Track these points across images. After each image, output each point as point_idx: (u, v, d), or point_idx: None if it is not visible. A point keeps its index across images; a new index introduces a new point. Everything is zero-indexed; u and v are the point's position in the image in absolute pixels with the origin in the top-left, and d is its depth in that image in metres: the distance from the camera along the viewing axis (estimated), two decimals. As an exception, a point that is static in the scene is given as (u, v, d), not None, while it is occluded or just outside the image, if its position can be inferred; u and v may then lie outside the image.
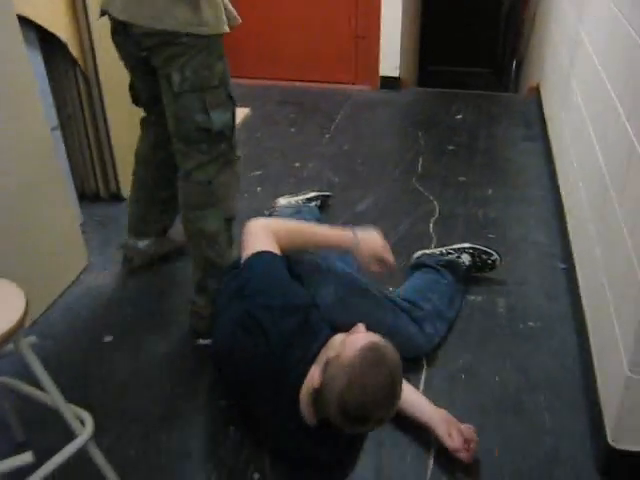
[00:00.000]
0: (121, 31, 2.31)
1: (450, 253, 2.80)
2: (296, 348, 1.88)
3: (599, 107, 2.57)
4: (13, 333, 1.55)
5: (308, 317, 1.96)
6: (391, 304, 2.35)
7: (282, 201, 3.31)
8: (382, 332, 1.79)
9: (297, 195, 3.35)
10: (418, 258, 2.84)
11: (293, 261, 2.18)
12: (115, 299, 2.77)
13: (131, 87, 2.65)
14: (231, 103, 2.32)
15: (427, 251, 2.87)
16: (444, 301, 2.54)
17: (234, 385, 2.06)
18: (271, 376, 1.86)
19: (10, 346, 1.66)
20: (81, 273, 2.92)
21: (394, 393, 1.69)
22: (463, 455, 1.98)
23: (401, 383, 1.73)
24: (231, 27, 2.27)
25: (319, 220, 3.01)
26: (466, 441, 1.99)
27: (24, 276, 1.76)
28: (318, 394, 1.73)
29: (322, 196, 3.38)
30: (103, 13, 2.36)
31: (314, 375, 1.74)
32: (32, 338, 1.80)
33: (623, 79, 2.23)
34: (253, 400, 1.96)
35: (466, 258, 2.79)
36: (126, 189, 3.45)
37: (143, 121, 2.78)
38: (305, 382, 1.82)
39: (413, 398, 2.11)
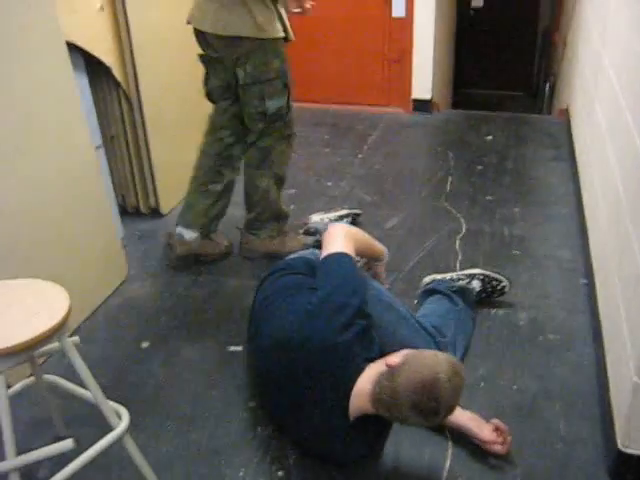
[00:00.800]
0: (200, 38, 2.93)
1: (461, 279, 2.87)
2: (359, 347, 2.00)
3: (618, 131, 2.67)
4: (58, 329, 1.69)
5: (369, 325, 2.09)
6: (422, 329, 2.43)
7: (315, 217, 3.45)
8: None
9: (329, 212, 3.49)
10: (428, 284, 2.90)
11: None
12: (152, 309, 2.92)
13: (205, 83, 3.10)
14: (286, 92, 2.94)
15: (438, 276, 2.93)
16: (460, 329, 2.60)
17: (277, 379, 2.11)
18: (330, 368, 1.97)
19: (56, 345, 1.81)
20: (121, 284, 3.08)
21: (454, 403, 1.82)
22: (498, 448, 2.10)
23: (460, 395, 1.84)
24: (287, 40, 2.92)
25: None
26: (500, 433, 2.11)
27: (68, 285, 1.89)
28: (383, 393, 1.83)
29: (353, 214, 3.51)
30: (188, 22, 2.95)
31: (388, 364, 1.86)
32: (76, 339, 1.95)
33: (638, 103, 2.32)
34: (297, 394, 2.04)
35: (477, 284, 2.86)
36: (165, 205, 3.63)
37: (210, 116, 3.19)
38: (361, 379, 1.93)
39: None
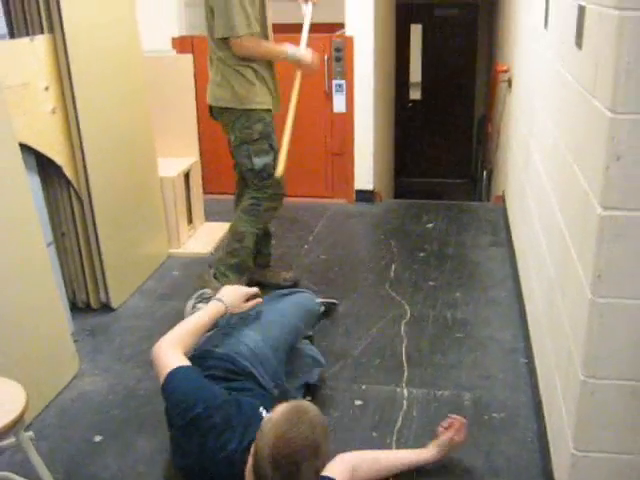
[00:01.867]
0: (210, 108, 3.60)
1: None
2: (231, 442, 2.12)
3: (546, 217, 2.84)
4: (16, 423, 1.73)
5: (237, 409, 2.21)
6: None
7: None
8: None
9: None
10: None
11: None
12: (104, 402, 2.94)
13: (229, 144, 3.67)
14: (273, 151, 3.48)
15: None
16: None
17: None
18: (222, 472, 2.10)
19: (9, 441, 1.84)
20: (73, 379, 3.09)
21: (318, 442, 1.85)
22: (457, 437, 2.40)
23: (325, 434, 1.90)
24: (274, 111, 3.55)
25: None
26: (451, 425, 2.40)
27: (20, 380, 1.93)
28: (255, 461, 1.90)
29: (328, 303, 3.59)
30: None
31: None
32: (30, 434, 1.98)
33: (557, 186, 2.50)
34: None
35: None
36: (116, 299, 3.68)
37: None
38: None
39: (395, 456, 2.46)
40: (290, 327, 2.80)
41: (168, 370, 2.30)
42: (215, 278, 3.64)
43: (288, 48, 3.43)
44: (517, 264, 3.91)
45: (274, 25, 3.60)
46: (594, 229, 1.84)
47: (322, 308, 3.47)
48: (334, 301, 3.66)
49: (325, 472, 2.07)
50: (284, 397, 2.48)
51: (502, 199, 5.14)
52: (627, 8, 1.64)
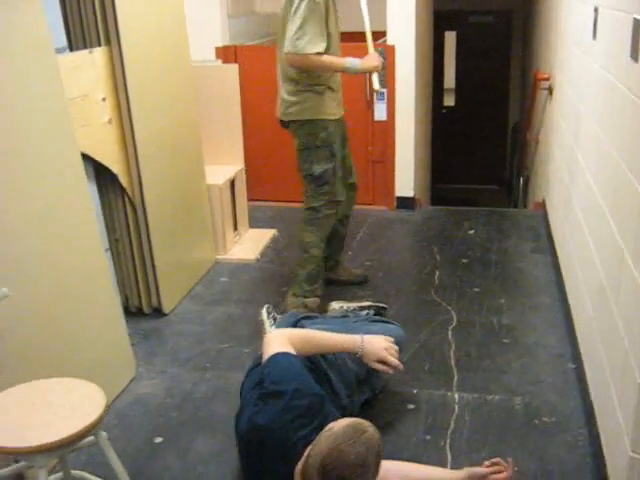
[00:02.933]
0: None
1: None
2: (303, 429, 2.18)
3: (595, 223, 2.89)
4: (96, 425, 1.81)
5: (320, 405, 2.28)
6: None
7: (335, 305, 3.56)
8: None
9: (351, 302, 3.58)
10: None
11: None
12: (162, 405, 3.02)
13: None
14: (333, 158, 3.60)
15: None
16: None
17: (254, 467, 2.31)
18: (279, 453, 2.16)
19: (88, 439, 1.93)
20: (130, 382, 3.18)
21: (369, 463, 1.89)
22: (501, 476, 2.25)
23: (378, 457, 1.94)
24: (337, 118, 3.63)
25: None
26: (496, 465, 2.27)
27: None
28: (305, 465, 1.96)
29: (376, 306, 3.55)
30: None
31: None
32: (105, 433, 2.07)
33: (610, 195, 2.55)
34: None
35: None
36: (167, 305, 3.77)
37: None
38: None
39: (426, 472, 2.38)
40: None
41: (278, 350, 2.39)
42: (293, 294, 3.78)
43: (347, 62, 3.46)
44: (561, 270, 3.94)
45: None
46: (654, 237, 1.89)
47: (372, 312, 3.48)
48: (384, 305, 3.66)
49: None
50: (351, 408, 2.61)
51: (542, 206, 5.17)
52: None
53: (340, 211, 3.83)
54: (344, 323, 3.03)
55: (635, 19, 2.22)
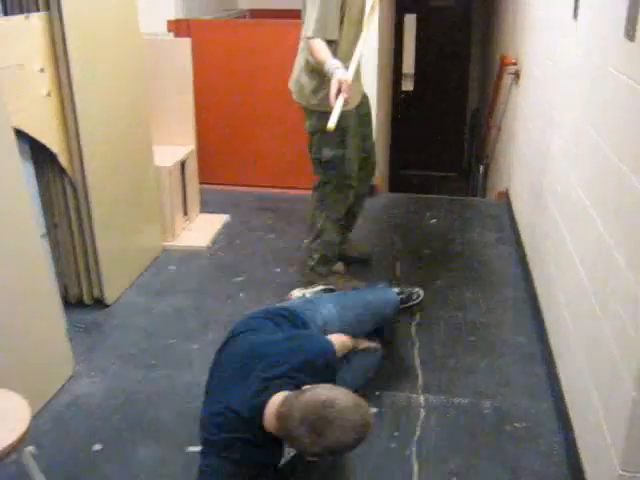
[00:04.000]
0: None
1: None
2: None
3: (575, 219, 2.70)
4: (19, 444, 1.56)
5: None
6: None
7: (296, 293, 3.44)
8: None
9: (308, 288, 3.48)
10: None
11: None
12: (103, 407, 2.76)
13: None
14: (343, 145, 3.41)
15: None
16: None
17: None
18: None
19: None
20: (68, 380, 2.91)
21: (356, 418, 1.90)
22: None
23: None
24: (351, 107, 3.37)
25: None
26: None
27: (12, 383, 1.76)
28: (284, 405, 1.95)
29: (328, 289, 3.47)
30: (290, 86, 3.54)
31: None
32: (31, 448, 1.81)
33: (595, 187, 2.36)
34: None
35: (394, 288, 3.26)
36: (110, 295, 3.50)
37: None
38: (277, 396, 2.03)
39: None
40: (361, 321, 2.79)
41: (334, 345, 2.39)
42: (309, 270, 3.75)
43: (330, 63, 3.08)
44: (528, 263, 3.76)
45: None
46: (656, 236, 1.70)
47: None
48: (332, 287, 3.50)
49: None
50: None
51: (506, 195, 5.00)
52: None
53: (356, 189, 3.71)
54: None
55: (632, -6, 2.01)
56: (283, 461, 2.20)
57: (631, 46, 2.01)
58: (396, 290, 3.30)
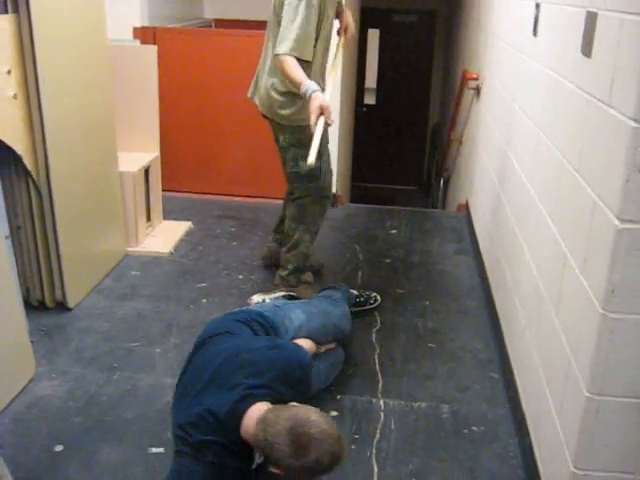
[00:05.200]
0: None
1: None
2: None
3: (531, 227, 2.78)
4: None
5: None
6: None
7: (256, 298, 3.51)
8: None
9: (268, 293, 3.55)
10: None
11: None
12: (64, 409, 2.76)
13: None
14: (319, 157, 3.16)
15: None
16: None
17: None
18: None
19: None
20: (29, 382, 2.90)
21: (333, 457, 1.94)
22: None
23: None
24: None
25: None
26: None
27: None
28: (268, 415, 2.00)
29: (289, 296, 3.56)
30: (252, 96, 3.59)
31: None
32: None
33: (551, 196, 2.44)
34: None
35: (353, 291, 3.57)
36: (72, 298, 3.50)
37: None
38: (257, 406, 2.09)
39: None
40: (326, 329, 2.88)
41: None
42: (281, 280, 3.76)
43: (307, 84, 3.05)
44: (487, 274, 3.85)
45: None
46: (609, 242, 1.77)
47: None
48: (293, 293, 3.59)
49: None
50: None
51: (466, 207, 5.10)
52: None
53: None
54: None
55: (588, 12, 2.10)
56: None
57: (587, 62, 2.09)
58: (355, 293, 3.58)
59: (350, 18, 3.63)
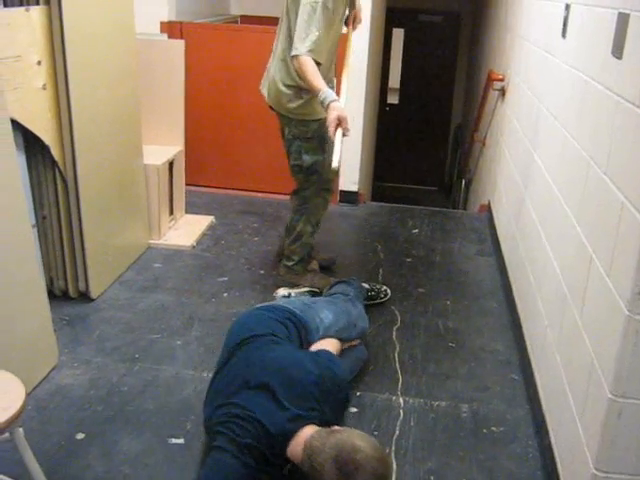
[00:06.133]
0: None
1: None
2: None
3: (556, 227, 2.77)
4: (13, 421, 1.59)
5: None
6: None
7: (283, 292, 3.59)
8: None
9: (293, 288, 3.63)
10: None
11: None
12: (86, 398, 2.78)
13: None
14: (322, 150, 3.46)
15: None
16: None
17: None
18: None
19: (2, 437, 1.70)
20: (51, 370, 2.93)
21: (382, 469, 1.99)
22: None
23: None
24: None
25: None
26: None
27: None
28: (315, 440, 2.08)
29: (312, 291, 3.64)
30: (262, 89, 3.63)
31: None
32: (21, 430, 1.83)
33: (577, 198, 2.43)
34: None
35: (366, 285, 3.65)
36: (95, 289, 3.52)
37: None
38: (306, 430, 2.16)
39: None
40: (349, 329, 2.93)
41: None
42: (285, 266, 3.83)
43: (326, 92, 3.08)
44: (508, 274, 3.84)
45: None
46: (636, 244, 1.77)
47: (309, 295, 3.61)
48: (317, 289, 3.67)
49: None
50: None
51: (488, 208, 5.08)
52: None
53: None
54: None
55: (620, 13, 2.09)
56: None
57: (618, 64, 2.08)
58: (366, 286, 3.64)
59: (360, 5, 3.64)
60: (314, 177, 3.58)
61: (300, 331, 2.68)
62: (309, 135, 3.46)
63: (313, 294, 3.59)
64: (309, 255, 3.87)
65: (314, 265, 3.93)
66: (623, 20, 2.07)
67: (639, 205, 1.78)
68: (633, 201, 1.83)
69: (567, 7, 2.92)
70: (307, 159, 3.50)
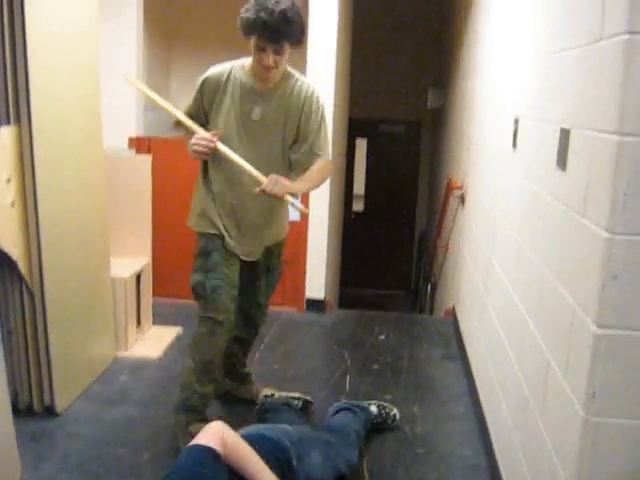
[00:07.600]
0: None
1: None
2: None
3: (515, 332, 2.84)
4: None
5: None
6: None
7: (267, 392, 3.59)
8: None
9: (281, 391, 3.62)
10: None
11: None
12: (49, 516, 2.73)
13: None
14: (204, 270, 3.15)
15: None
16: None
17: None
18: None
19: None
20: (14, 490, 2.88)
21: None
22: None
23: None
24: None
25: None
26: None
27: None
28: None
29: (304, 400, 3.58)
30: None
31: None
32: None
33: (533, 303, 2.51)
34: None
35: (374, 409, 3.47)
36: (61, 403, 3.50)
37: None
38: None
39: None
40: (336, 471, 2.81)
41: (195, 442, 2.27)
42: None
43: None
44: (474, 379, 3.88)
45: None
46: (588, 347, 1.84)
47: (300, 403, 3.55)
48: (309, 398, 3.62)
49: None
50: None
51: (453, 313, 5.16)
52: (628, 134, 1.70)
53: (233, 331, 3.36)
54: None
55: (563, 129, 2.23)
56: None
57: (563, 175, 2.21)
58: (374, 412, 3.48)
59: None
60: (201, 302, 3.19)
61: (284, 470, 2.49)
62: (196, 252, 3.28)
63: (304, 403, 3.56)
64: (199, 407, 3.25)
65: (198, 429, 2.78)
66: (564, 135, 2.20)
67: (588, 309, 1.86)
68: (583, 306, 1.91)
69: (516, 120, 3.09)
70: (192, 278, 3.22)
